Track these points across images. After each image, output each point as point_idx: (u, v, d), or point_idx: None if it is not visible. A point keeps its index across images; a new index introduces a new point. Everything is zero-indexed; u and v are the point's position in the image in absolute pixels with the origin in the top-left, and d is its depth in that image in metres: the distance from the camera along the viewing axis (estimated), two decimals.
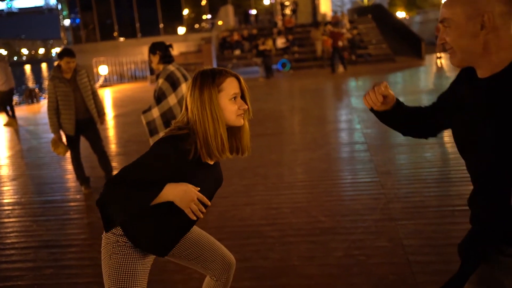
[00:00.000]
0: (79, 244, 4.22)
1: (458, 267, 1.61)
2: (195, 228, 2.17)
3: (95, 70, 21.42)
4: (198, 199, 1.80)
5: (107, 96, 17.57)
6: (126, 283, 1.86)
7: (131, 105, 14.16)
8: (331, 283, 3.08)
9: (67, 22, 34.17)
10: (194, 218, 1.81)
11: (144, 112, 4.42)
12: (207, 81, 1.81)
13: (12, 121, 11.05)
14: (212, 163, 1.91)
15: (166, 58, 4.38)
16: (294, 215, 4.34)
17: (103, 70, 21.75)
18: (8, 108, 11.22)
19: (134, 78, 23.60)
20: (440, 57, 19.61)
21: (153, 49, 4.41)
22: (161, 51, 4.39)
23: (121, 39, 30.26)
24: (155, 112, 4.32)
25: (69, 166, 6.79)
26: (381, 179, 5.10)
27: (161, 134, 4.33)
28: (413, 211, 4.15)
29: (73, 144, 5.42)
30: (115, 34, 30.72)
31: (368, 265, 3.27)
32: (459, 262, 3.14)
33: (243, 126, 1.89)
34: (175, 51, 4.84)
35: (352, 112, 9.76)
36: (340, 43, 18.89)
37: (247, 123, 1.92)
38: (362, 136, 7.34)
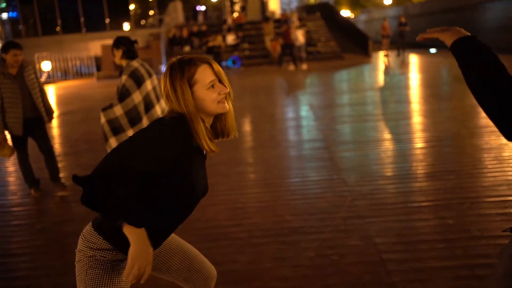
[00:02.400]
0: (33, 252, 3.92)
1: None
2: (176, 238, 2.02)
3: (37, 65, 20.42)
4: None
5: (51, 93, 16.78)
6: None
7: (78, 103, 13.58)
8: (308, 285, 3.00)
9: (4, 15, 32.43)
10: (130, 279, 1.61)
11: (104, 109, 4.18)
12: (176, 76, 1.69)
13: None
14: (203, 154, 1.81)
15: (130, 53, 4.18)
16: (261, 214, 4.24)
17: (46, 66, 20.79)
18: None
19: (79, 74, 22.70)
20: (387, 55, 20.14)
21: (117, 43, 4.22)
22: (125, 46, 4.18)
23: (65, 34, 29.06)
24: (118, 110, 4.09)
25: (14, 167, 6.38)
26: (344, 176, 5.09)
27: (130, 133, 4.12)
28: (380, 208, 4.14)
29: (20, 145, 5.05)
30: (58, 28, 29.47)
31: (342, 264, 3.22)
32: (433, 259, 3.17)
33: (227, 111, 1.79)
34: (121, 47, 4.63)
35: (307, 109, 9.79)
36: (294, 40, 18.93)
37: (231, 104, 1.81)
38: (320, 133, 7.35)
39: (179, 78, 1.68)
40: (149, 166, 1.59)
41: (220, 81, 1.74)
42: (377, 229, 3.71)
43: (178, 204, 1.74)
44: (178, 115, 1.68)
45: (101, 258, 1.71)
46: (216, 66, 1.74)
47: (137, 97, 4.11)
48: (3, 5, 32.03)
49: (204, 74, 1.70)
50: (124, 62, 4.22)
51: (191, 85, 1.69)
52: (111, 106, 4.15)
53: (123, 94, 4.09)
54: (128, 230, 1.58)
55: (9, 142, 5.05)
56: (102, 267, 1.70)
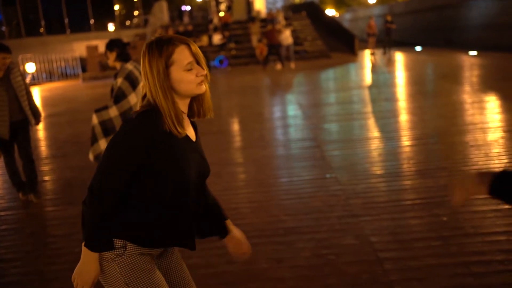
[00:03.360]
0: (23, 257, 3.84)
1: None
2: (179, 259, 1.95)
3: (21, 67, 20.14)
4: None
5: (37, 95, 16.56)
6: None
7: (64, 105, 13.43)
8: (306, 286, 2.98)
9: None
10: None
11: (98, 110, 4.15)
12: (154, 54, 1.66)
13: None
14: (193, 138, 1.78)
15: (123, 55, 4.18)
16: (255, 215, 4.21)
17: (30, 67, 20.52)
18: None
19: (65, 76, 22.45)
20: (373, 53, 20.25)
21: (110, 46, 4.20)
22: (119, 48, 4.17)
23: (49, 35, 28.72)
24: (113, 112, 4.06)
25: (0, 171, 6.26)
26: (337, 175, 5.08)
27: None
28: (374, 206, 4.14)
29: (6, 148, 4.91)
30: (42, 30, 29.12)
31: (339, 264, 3.20)
32: (429, 257, 3.17)
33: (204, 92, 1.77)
34: None
35: (295, 108, 9.78)
36: (281, 39, 18.94)
37: (208, 86, 1.78)
38: (310, 132, 7.34)
39: (157, 57, 1.65)
40: (128, 170, 1.64)
41: (198, 62, 1.72)
42: (372, 228, 3.70)
43: (174, 193, 1.70)
44: (144, 108, 1.67)
45: (130, 254, 1.68)
46: (195, 47, 1.71)
47: (132, 99, 4.12)
48: None
49: (182, 55, 1.67)
50: (118, 65, 4.22)
51: (168, 65, 1.66)
52: (105, 107, 4.13)
53: (118, 96, 4.08)
54: (83, 248, 1.68)
55: None
56: (138, 265, 1.69)
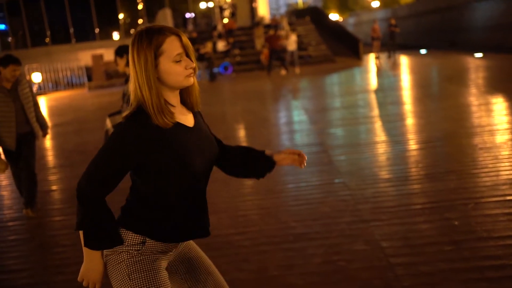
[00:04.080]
0: (31, 267, 3.84)
1: None
2: (197, 250, 1.95)
3: (28, 77, 20.26)
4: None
5: (43, 105, 16.64)
6: None
7: (71, 114, 13.47)
8: None
9: None
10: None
11: (112, 115, 4.17)
12: (143, 44, 1.64)
13: None
14: (191, 125, 1.75)
15: None
16: (264, 221, 4.18)
17: (36, 77, 20.63)
18: None
19: (70, 85, 22.56)
20: (378, 57, 20.22)
21: (120, 52, 4.22)
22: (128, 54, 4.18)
23: (54, 45, 28.91)
24: None
25: (8, 181, 6.27)
26: (345, 180, 5.05)
27: None
28: (383, 211, 4.10)
29: (14, 160, 4.89)
30: (47, 40, 29.31)
31: (350, 270, 3.17)
32: (441, 261, 3.13)
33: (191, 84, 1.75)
34: (113, 56, 4.61)
35: (301, 114, 9.76)
36: (286, 44, 18.99)
37: (195, 79, 1.77)
38: (317, 137, 7.32)
39: (146, 46, 1.62)
40: (117, 173, 1.65)
41: (188, 55, 1.70)
42: (382, 233, 3.67)
43: (181, 184, 1.69)
44: (133, 109, 1.66)
45: (138, 256, 1.68)
46: (185, 38, 1.69)
47: None
48: None
49: (172, 45, 1.65)
50: (128, 70, 4.23)
51: (157, 55, 1.64)
52: (119, 112, 4.14)
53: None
54: (84, 249, 1.70)
55: (2, 156, 4.94)
56: (145, 263, 1.69)
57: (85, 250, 1.70)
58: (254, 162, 1.91)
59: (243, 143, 7.86)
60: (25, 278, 3.64)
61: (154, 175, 1.67)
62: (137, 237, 1.69)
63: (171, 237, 1.73)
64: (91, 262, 1.70)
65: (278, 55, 19.02)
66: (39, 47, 28.54)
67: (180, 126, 1.70)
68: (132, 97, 1.69)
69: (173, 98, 1.72)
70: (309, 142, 7.20)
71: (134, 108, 1.67)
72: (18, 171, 5.00)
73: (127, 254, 1.69)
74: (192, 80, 1.71)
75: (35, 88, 20.38)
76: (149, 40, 1.63)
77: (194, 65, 1.70)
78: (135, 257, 1.69)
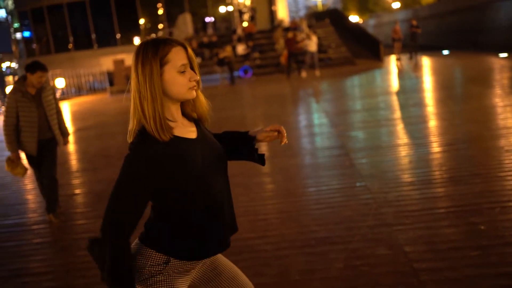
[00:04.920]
0: (55, 270, 3.88)
1: None
2: (223, 258, 1.93)
3: (51, 83, 20.62)
4: None
5: (66, 110, 16.91)
6: None
7: (93, 118, 13.65)
8: None
9: (18, 35, 32.95)
10: None
11: None
12: (148, 54, 1.60)
13: None
14: (194, 136, 1.71)
15: None
16: (285, 225, 4.15)
17: (60, 83, 21.00)
18: None
19: (93, 90, 22.90)
20: (399, 59, 20.00)
21: None
22: None
23: (77, 51, 29.40)
24: None
25: (33, 185, 6.37)
26: (367, 183, 4.98)
27: None
28: (407, 215, 4.03)
29: (36, 165, 4.93)
30: (70, 46, 29.82)
31: (372, 275, 3.11)
32: (467, 267, 3.05)
33: (196, 97, 1.72)
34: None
35: (322, 116, 9.70)
36: (303, 47, 18.98)
37: (200, 93, 1.74)
38: (338, 140, 7.25)
39: (151, 56, 1.59)
40: (140, 199, 1.61)
41: (192, 68, 1.68)
42: (406, 237, 3.60)
43: (199, 198, 1.66)
44: (135, 133, 1.63)
45: (160, 276, 1.66)
46: (190, 51, 1.67)
47: None
48: (17, 25, 32.57)
49: (177, 56, 1.63)
50: None
51: (162, 64, 1.61)
52: None
53: None
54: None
55: (23, 161, 5.01)
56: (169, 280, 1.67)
57: None
58: (241, 144, 1.88)
59: (264, 146, 7.83)
60: (49, 281, 3.68)
61: (171, 194, 1.64)
62: (161, 257, 1.66)
63: (196, 255, 1.69)
64: None
65: (296, 58, 19.01)
66: (62, 53, 29.07)
67: (183, 140, 1.66)
68: (131, 112, 1.65)
69: (175, 111, 1.69)
70: (330, 145, 7.14)
71: (136, 129, 1.64)
72: (41, 177, 5.05)
73: (149, 273, 1.66)
74: (195, 93, 1.68)
75: (58, 94, 20.74)
76: (155, 49, 1.61)
77: (198, 78, 1.67)
78: (156, 277, 1.66)
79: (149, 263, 1.66)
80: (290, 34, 19.99)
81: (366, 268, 3.21)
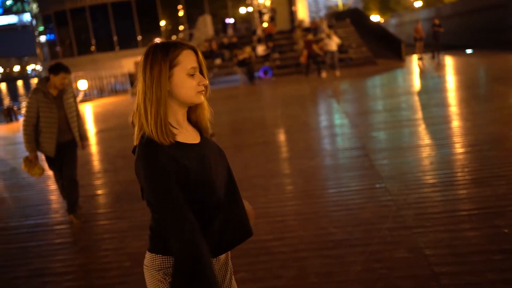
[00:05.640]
0: (75, 270, 3.92)
1: None
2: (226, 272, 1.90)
3: (74, 85, 20.95)
4: None
5: (88, 111, 17.15)
6: None
7: (114, 120, 13.80)
8: None
9: (42, 38, 33.59)
10: None
11: None
12: (158, 55, 1.59)
13: None
14: (197, 141, 1.69)
15: None
16: (302, 227, 4.12)
17: (82, 85, 21.32)
18: None
19: (114, 91, 23.18)
20: (421, 58, 19.73)
21: None
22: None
23: (99, 53, 29.83)
24: None
25: (55, 186, 6.46)
26: (387, 185, 4.92)
27: None
28: (427, 217, 3.96)
29: (55, 165, 4.96)
30: (93, 48, 30.26)
31: (391, 279, 3.07)
32: (490, 271, 2.98)
33: (202, 103, 1.70)
34: None
35: (342, 117, 9.62)
36: (318, 50, 18.94)
37: (205, 100, 1.72)
38: (358, 141, 7.18)
39: (161, 58, 1.58)
40: (176, 187, 1.56)
41: (201, 72, 1.67)
42: (426, 240, 3.53)
43: (203, 200, 1.63)
44: (143, 135, 1.60)
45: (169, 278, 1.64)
46: (201, 55, 1.66)
47: None
48: (41, 28, 33.19)
49: (187, 58, 1.62)
50: None
51: (171, 66, 1.60)
52: None
53: None
54: None
55: (41, 161, 5.05)
56: None
57: None
58: None
59: (284, 148, 7.81)
60: (69, 281, 3.73)
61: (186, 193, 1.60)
62: (170, 259, 1.64)
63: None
64: None
65: (315, 59, 18.95)
66: (85, 55, 29.51)
67: (185, 146, 1.64)
68: (137, 114, 1.64)
69: (181, 116, 1.68)
70: (350, 146, 7.07)
71: (142, 137, 1.61)
72: (61, 178, 5.08)
73: (163, 275, 1.65)
74: (203, 98, 1.67)
75: (81, 95, 21.06)
76: (165, 51, 1.60)
77: (207, 82, 1.66)
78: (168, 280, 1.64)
79: (161, 266, 1.65)
80: (309, 36, 19.90)
81: (385, 271, 3.17)
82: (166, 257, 1.65)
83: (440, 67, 17.71)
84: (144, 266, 1.70)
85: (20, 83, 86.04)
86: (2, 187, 7.15)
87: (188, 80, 1.62)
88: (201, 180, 1.61)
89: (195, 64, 1.63)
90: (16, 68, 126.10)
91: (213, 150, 1.74)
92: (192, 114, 1.74)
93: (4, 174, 7.98)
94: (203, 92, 1.66)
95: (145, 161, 1.56)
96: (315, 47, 19.05)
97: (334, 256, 3.49)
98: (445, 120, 8.16)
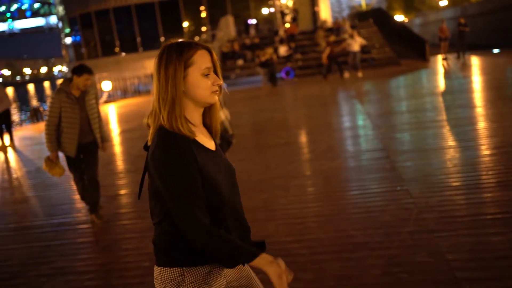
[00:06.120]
0: (96, 270, 3.98)
1: None
2: (249, 270, 1.90)
3: (98, 86, 21.28)
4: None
5: (112, 112, 17.40)
6: None
7: (137, 120, 13.94)
8: None
9: (68, 40, 34.23)
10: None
11: None
12: (173, 55, 1.60)
13: (3, 147, 10.68)
14: (213, 148, 1.70)
15: None
16: (322, 229, 4.09)
17: (106, 86, 21.63)
18: (5, 131, 10.83)
19: (137, 92, 23.45)
20: (445, 58, 19.41)
21: None
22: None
23: (123, 54, 30.23)
24: (222, 115, 4.50)
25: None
26: (408, 187, 4.85)
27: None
28: (450, 221, 3.89)
29: (75, 166, 4.99)
30: (117, 49, 30.68)
31: (412, 284, 3.02)
32: None
33: (215, 104, 1.71)
34: None
35: (364, 118, 9.53)
36: (350, 45, 18.83)
37: (218, 101, 1.72)
38: (380, 143, 7.10)
39: (176, 58, 1.59)
40: (198, 182, 1.56)
41: (216, 72, 1.67)
42: (448, 244, 3.47)
43: (211, 206, 1.62)
44: (160, 132, 1.59)
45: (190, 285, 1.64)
46: (215, 55, 1.67)
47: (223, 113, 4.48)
48: (67, 30, 33.82)
49: (202, 58, 1.62)
50: None
51: (186, 66, 1.60)
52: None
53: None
54: (254, 263, 1.61)
55: (62, 162, 5.10)
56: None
57: (256, 263, 1.62)
58: None
59: (305, 149, 7.78)
60: (90, 280, 3.78)
61: None
62: (175, 270, 1.64)
63: (200, 258, 1.65)
64: (266, 263, 1.62)
65: (336, 60, 18.87)
66: (109, 56, 29.94)
67: (202, 147, 1.64)
68: (152, 115, 1.64)
69: (197, 117, 1.68)
70: (372, 147, 7.00)
71: (159, 129, 1.61)
72: (81, 180, 5.07)
73: (174, 286, 1.64)
74: (217, 98, 1.67)
75: (105, 96, 21.37)
76: (179, 51, 1.60)
77: (221, 82, 1.66)
78: None
79: (170, 278, 1.64)
80: (331, 38, 19.80)
81: (405, 275, 3.12)
82: (173, 269, 1.64)
83: (465, 67, 17.39)
84: (154, 279, 1.71)
85: (47, 84, 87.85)
86: (28, 186, 7.31)
87: (202, 80, 1.62)
88: (212, 184, 1.60)
89: (209, 64, 1.64)
90: (43, 70, 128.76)
91: (224, 161, 1.74)
92: (207, 115, 1.74)
93: (30, 173, 8.14)
94: (217, 92, 1.67)
95: (164, 148, 1.55)
96: (335, 49, 18.97)
97: (354, 259, 3.45)
98: (470, 121, 8.00)
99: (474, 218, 3.91)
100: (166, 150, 1.54)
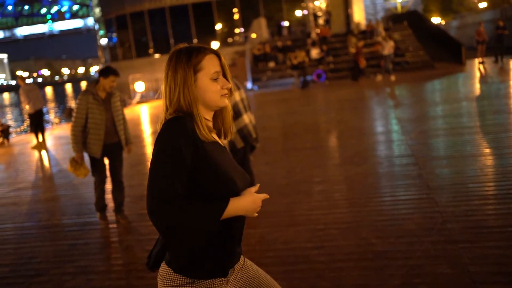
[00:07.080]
0: (118, 270, 4.04)
1: None
2: (252, 265, 1.89)
3: (131, 87, 21.66)
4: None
5: (144, 112, 17.66)
6: None
7: None
8: None
9: (104, 41, 35.01)
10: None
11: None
12: (182, 60, 1.63)
13: (39, 145, 10.93)
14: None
15: None
16: (343, 236, 4.03)
17: (139, 86, 21.99)
18: (39, 130, 11.15)
19: None
20: (482, 62, 18.89)
21: None
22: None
23: (156, 55, 30.69)
24: (246, 118, 4.54)
25: (108, 186, 6.67)
26: (434, 195, 4.73)
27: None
28: (475, 232, 3.77)
29: (99, 168, 5.06)
30: (151, 51, 31.17)
31: None
32: None
33: (226, 106, 1.73)
34: None
35: (394, 123, 9.36)
36: (382, 49, 18.65)
37: (228, 103, 1.74)
38: (408, 149, 6.95)
39: (185, 62, 1.62)
40: (181, 172, 1.55)
41: (225, 76, 1.68)
42: (472, 256, 3.36)
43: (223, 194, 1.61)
44: (173, 116, 1.60)
45: None
46: (223, 59, 1.69)
47: (247, 117, 4.54)
48: (102, 32, 34.61)
49: (210, 63, 1.65)
50: None
51: (195, 71, 1.63)
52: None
53: (235, 113, 4.38)
54: (225, 215, 1.56)
55: (86, 163, 5.18)
56: None
57: (234, 208, 1.57)
58: None
59: (331, 153, 7.70)
60: (111, 280, 3.83)
61: (198, 186, 1.59)
62: (184, 279, 1.64)
63: (215, 272, 1.65)
64: (244, 200, 1.60)
65: (358, 68, 18.88)
66: (143, 57, 30.44)
67: (218, 144, 1.68)
68: (169, 105, 1.65)
69: (209, 120, 1.71)
70: (399, 153, 6.86)
71: (172, 113, 1.62)
72: (102, 183, 5.13)
73: None
74: (227, 101, 1.70)
75: (138, 97, 21.72)
76: (188, 56, 1.63)
77: (230, 85, 1.68)
78: None
79: (173, 282, 1.64)
80: (360, 43, 19.59)
81: (425, 287, 3.04)
82: (178, 275, 1.64)
83: (503, 71, 16.87)
84: (158, 275, 1.70)
85: (84, 84, 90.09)
86: (59, 185, 7.49)
87: (212, 84, 1.65)
88: (227, 180, 1.61)
89: (218, 68, 1.66)
90: (81, 70, 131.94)
91: (239, 169, 1.74)
92: (218, 119, 1.76)
93: (61, 172, 8.35)
94: (227, 95, 1.69)
95: (166, 128, 1.58)
96: (361, 59, 18.84)
97: (373, 268, 3.39)
98: (505, 128, 7.74)
99: (501, 229, 3.77)
100: (167, 128, 1.58)
